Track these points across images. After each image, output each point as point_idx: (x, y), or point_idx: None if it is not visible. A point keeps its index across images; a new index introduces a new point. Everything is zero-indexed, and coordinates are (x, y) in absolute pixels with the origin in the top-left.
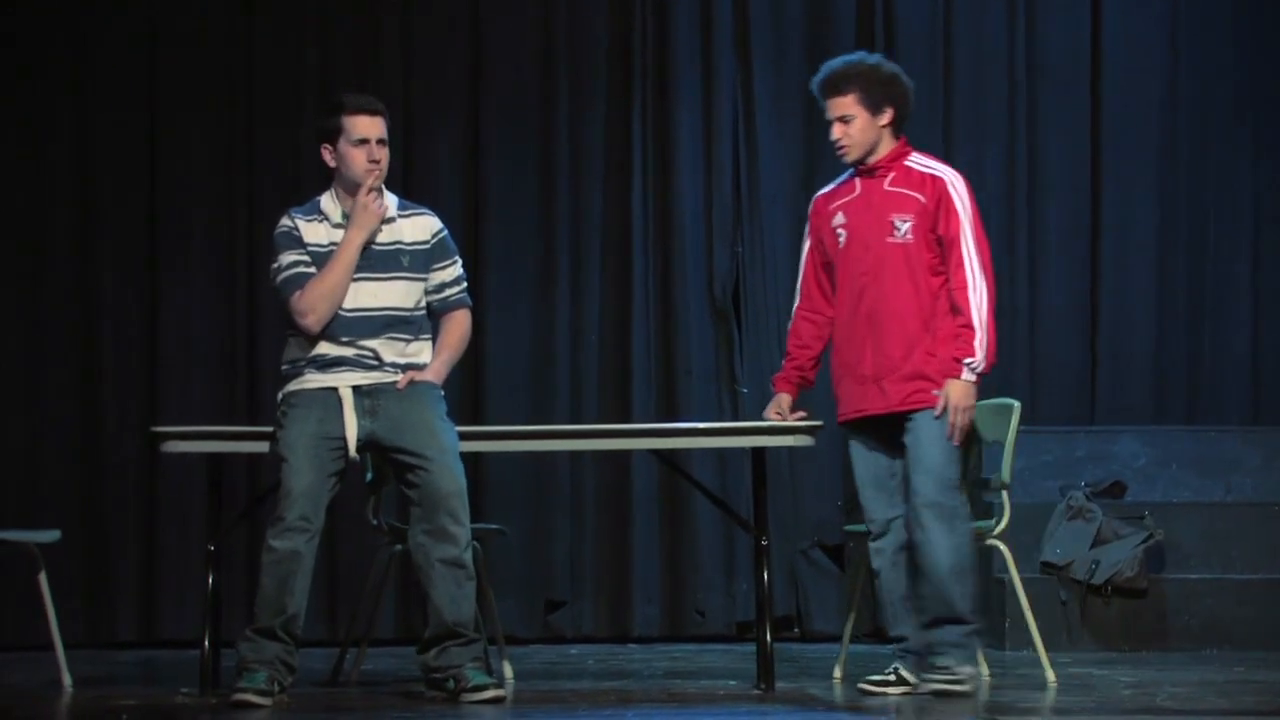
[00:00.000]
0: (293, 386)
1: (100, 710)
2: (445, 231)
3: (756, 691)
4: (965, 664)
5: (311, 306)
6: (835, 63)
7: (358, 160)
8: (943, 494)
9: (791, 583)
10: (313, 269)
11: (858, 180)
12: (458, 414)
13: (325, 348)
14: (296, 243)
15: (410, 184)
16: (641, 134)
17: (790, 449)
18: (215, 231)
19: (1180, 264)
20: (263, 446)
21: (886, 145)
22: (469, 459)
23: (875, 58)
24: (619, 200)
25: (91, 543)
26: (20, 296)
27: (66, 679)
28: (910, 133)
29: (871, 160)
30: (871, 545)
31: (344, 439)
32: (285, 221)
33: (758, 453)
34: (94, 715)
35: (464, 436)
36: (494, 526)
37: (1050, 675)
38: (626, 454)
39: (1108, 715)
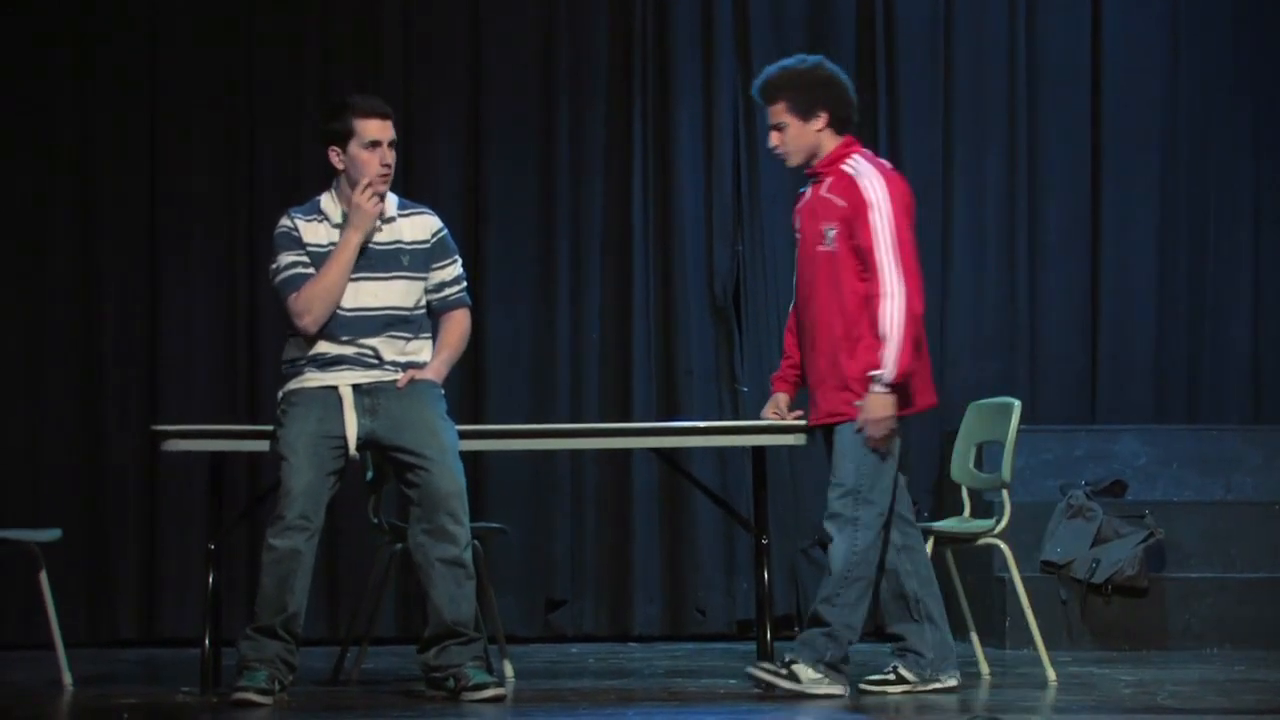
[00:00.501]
0: (293, 385)
1: (101, 709)
2: (445, 231)
3: (757, 690)
4: (810, 667)
5: (308, 307)
6: (768, 69)
7: (370, 164)
8: (844, 505)
9: (792, 581)
10: (311, 269)
11: (808, 186)
12: (458, 413)
13: (325, 346)
14: (295, 243)
15: (410, 183)
16: (642, 134)
17: (790, 448)
18: (215, 231)
19: (1181, 263)
20: (263, 445)
21: (828, 147)
22: (469, 458)
23: (811, 61)
24: (619, 200)
25: (92, 542)
26: (21, 296)
27: (67, 678)
28: (911, 132)
29: (815, 164)
30: None
31: (344, 438)
32: (285, 222)
33: (758, 452)
34: (95, 714)
35: (464, 435)
36: (494, 525)
37: (1050, 674)
38: (627, 453)
39: (1108, 714)
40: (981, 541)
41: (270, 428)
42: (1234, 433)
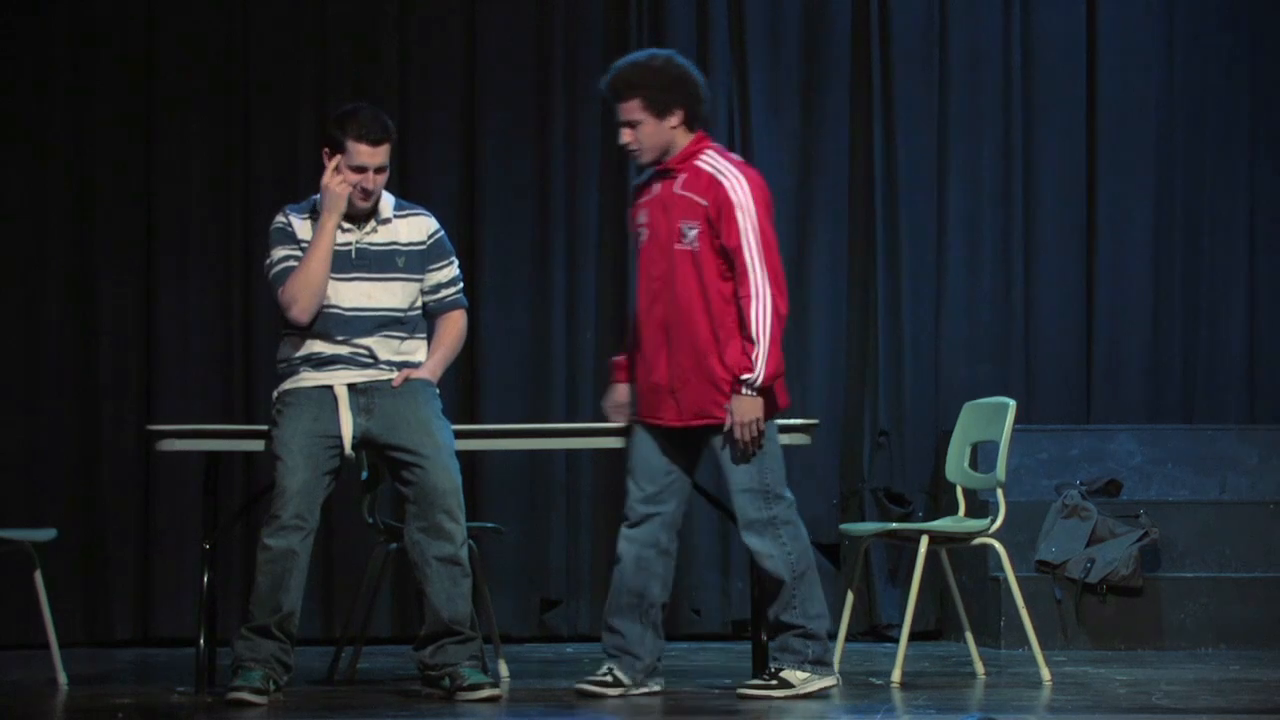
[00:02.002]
0: (288, 385)
1: (96, 708)
2: (441, 232)
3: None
4: (797, 669)
5: (294, 297)
6: (620, 65)
7: (348, 180)
8: (757, 508)
9: None
10: None
11: (657, 181)
12: (454, 412)
13: (320, 346)
14: (289, 238)
15: (406, 182)
16: None
17: (785, 447)
18: (212, 231)
19: (1176, 262)
20: (259, 445)
21: (681, 144)
22: (465, 457)
23: (663, 57)
24: (615, 198)
25: (88, 541)
26: (18, 296)
27: (62, 677)
28: (906, 131)
29: (667, 160)
30: (625, 532)
31: (339, 437)
32: (280, 218)
33: None
34: (89, 713)
35: (460, 435)
36: (490, 525)
37: (1045, 674)
38: (623, 452)
39: (1103, 714)
40: (977, 541)
41: (266, 427)
42: (1229, 432)
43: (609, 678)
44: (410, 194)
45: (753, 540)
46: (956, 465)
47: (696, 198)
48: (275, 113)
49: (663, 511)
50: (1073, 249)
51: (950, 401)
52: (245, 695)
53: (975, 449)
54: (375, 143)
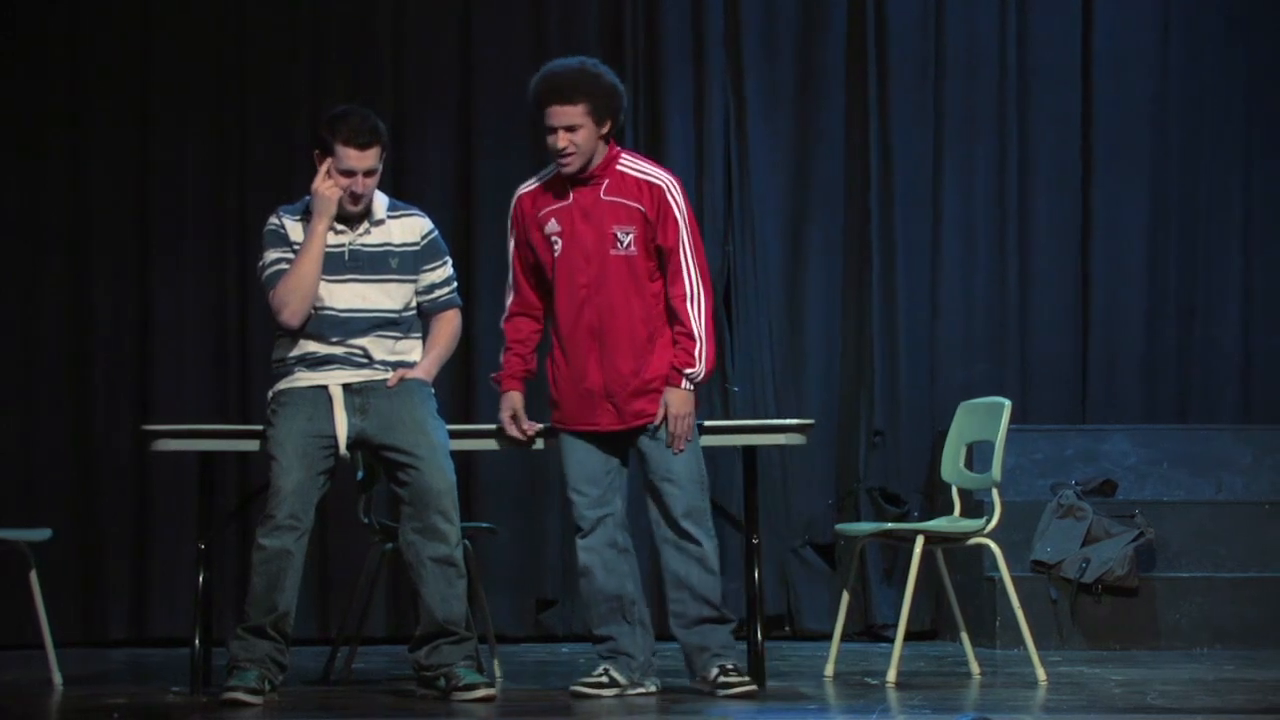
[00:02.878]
0: (283, 385)
1: (91, 709)
2: (435, 232)
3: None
4: (739, 660)
5: (284, 301)
6: (561, 69)
7: (338, 184)
8: (699, 499)
9: (783, 581)
10: None
11: (570, 188)
12: (449, 412)
13: (314, 346)
14: (282, 241)
15: (401, 180)
16: (633, 133)
17: (781, 447)
18: (206, 231)
19: (1171, 262)
20: (253, 445)
21: (602, 153)
22: (460, 457)
23: (594, 65)
24: None
25: (83, 541)
26: (13, 296)
27: (57, 677)
28: (902, 130)
29: (590, 168)
30: (581, 543)
31: (334, 437)
32: (273, 220)
33: (749, 451)
34: (85, 714)
35: (455, 435)
36: (485, 525)
37: (1041, 674)
38: None
39: (1098, 714)
40: (972, 541)
41: (261, 428)
42: (1224, 432)
43: (604, 678)
44: (406, 194)
45: (692, 528)
46: (952, 465)
47: (629, 202)
48: (271, 113)
49: (612, 511)
50: (1068, 249)
51: (946, 401)
52: (240, 695)
53: (971, 449)
54: (363, 146)
